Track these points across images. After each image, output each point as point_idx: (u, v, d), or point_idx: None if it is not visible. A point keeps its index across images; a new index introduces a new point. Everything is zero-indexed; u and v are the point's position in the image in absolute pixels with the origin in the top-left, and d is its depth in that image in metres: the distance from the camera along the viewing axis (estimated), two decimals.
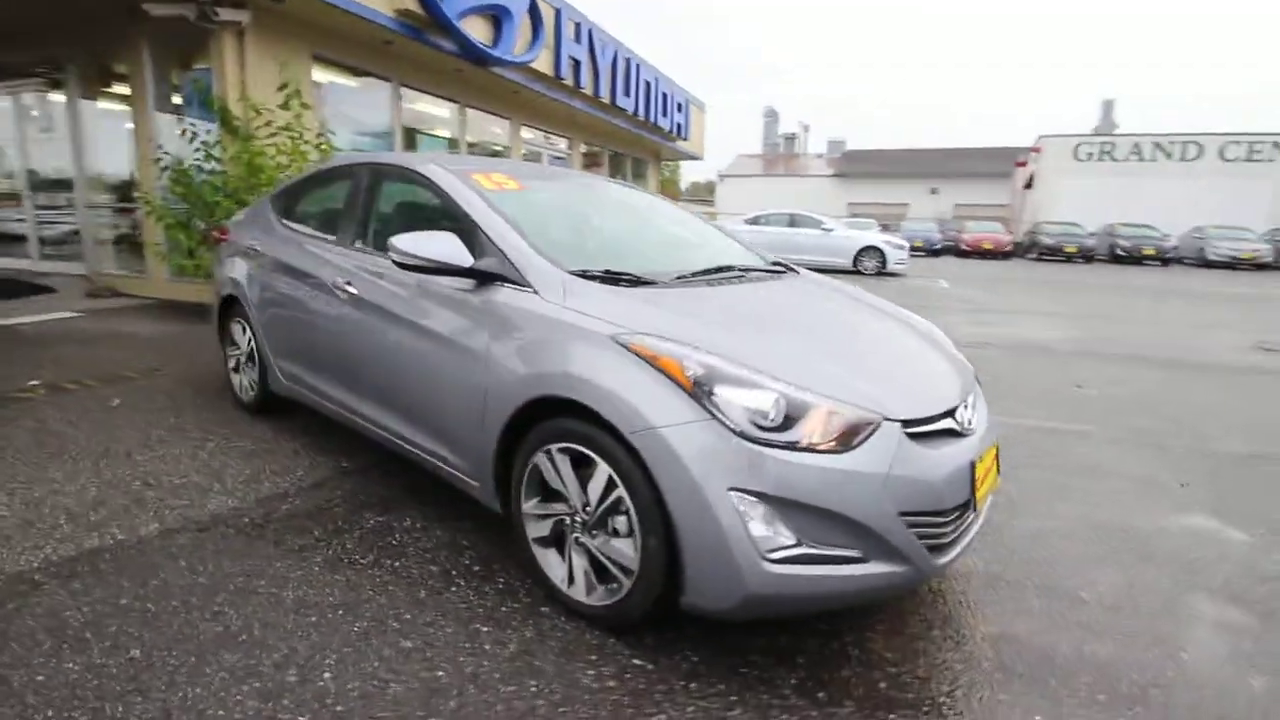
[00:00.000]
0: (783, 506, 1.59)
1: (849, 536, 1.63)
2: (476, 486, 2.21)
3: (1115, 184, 25.96)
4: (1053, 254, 22.65)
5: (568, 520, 1.93)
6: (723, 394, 1.64)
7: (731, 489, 1.59)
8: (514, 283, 2.10)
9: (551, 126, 12.08)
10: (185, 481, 2.81)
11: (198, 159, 5.95)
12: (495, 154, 10.72)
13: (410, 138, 8.76)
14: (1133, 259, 21.74)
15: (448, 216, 2.43)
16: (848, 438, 1.64)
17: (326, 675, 1.67)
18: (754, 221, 16.10)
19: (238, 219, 3.88)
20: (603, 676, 1.71)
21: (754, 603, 1.62)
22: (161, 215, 5.92)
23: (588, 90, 10.71)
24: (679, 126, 15.01)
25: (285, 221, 3.37)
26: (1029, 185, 29.89)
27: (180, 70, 6.82)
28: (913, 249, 17.85)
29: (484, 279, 2.16)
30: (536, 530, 2.01)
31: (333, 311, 2.78)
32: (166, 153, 5.97)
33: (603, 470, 1.77)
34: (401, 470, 2.96)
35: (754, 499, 1.59)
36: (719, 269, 2.50)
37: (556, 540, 1.98)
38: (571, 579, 1.93)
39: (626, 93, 11.97)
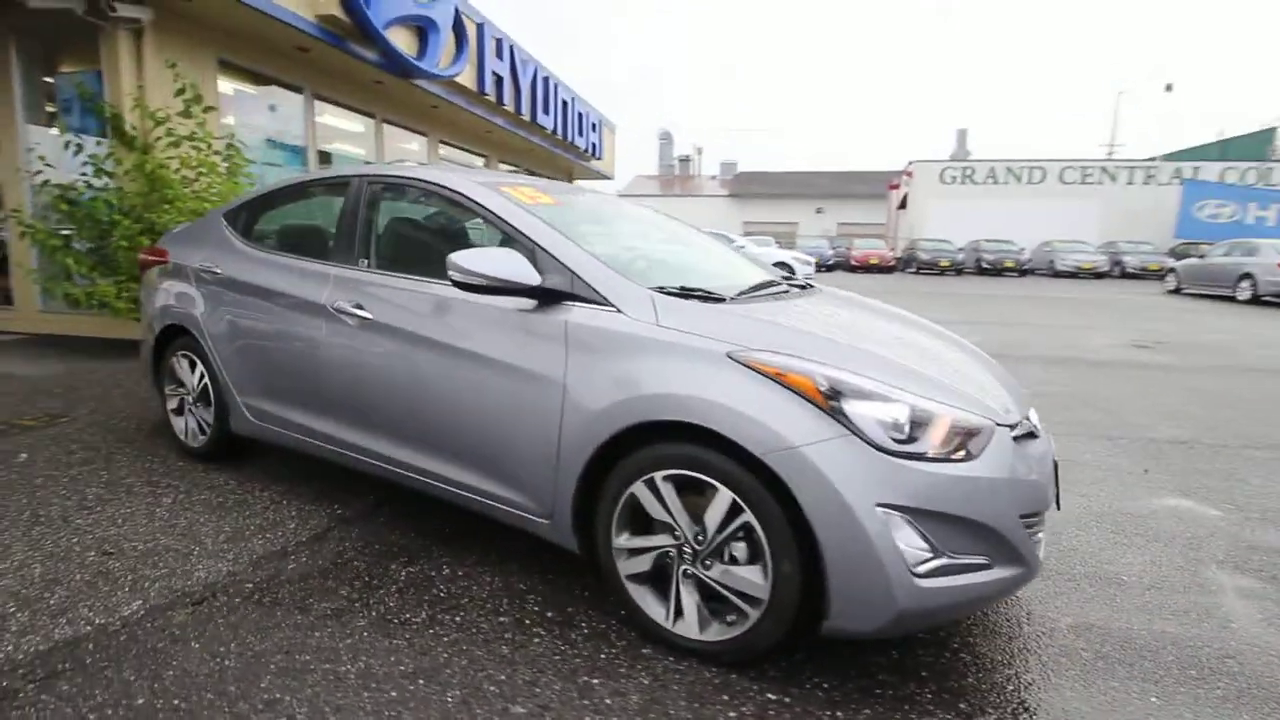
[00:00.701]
0: (923, 519, 1.57)
1: (979, 543, 1.63)
2: (545, 524, 2.02)
3: (976, 204, 29.01)
4: (929, 268, 24.89)
5: (672, 553, 1.80)
6: (854, 408, 1.60)
7: (878, 505, 1.55)
8: (589, 301, 1.95)
9: (469, 144, 11.71)
10: (153, 545, 2.37)
11: (85, 174, 5.17)
12: None
13: (324, 152, 8.15)
14: (995, 271, 24.32)
15: (491, 232, 2.24)
16: (972, 445, 1.65)
17: None
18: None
19: (174, 238, 3.39)
20: (745, 717, 1.59)
21: (906, 620, 1.58)
22: (42, 237, 5.07)
23: (509, 107, 10.50)
24: (594, 146, 15.06)
25: (248, 241, 2.98)
26: (903, 205, 32.74)
27: (56, 72, 5.94)
28: None
29: (551, 298, 1.99)
30: (632, 566, 1.86)
31: (334, 339, 2.47)
32: (49, 164, 5.14)
33: (724, 495, 1.67)
34: (413, 512, 2.68)
35: (898, 514, 1.56)
36: (764, 284, 2.48)
37: (656, 575, 1.84)
38: (679, 614, 1.80)
39: (545, 110, 11.85)
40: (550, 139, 12.77)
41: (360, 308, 2.40)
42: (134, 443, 3.44)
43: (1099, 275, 23.05)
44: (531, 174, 14.74)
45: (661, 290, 1.97)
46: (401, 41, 7.43)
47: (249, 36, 6.38)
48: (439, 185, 2.43)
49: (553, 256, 2.03)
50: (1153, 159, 30.57)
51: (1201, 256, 16.88)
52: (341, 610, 2.01)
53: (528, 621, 1.97)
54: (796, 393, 1.62)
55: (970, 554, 1.63)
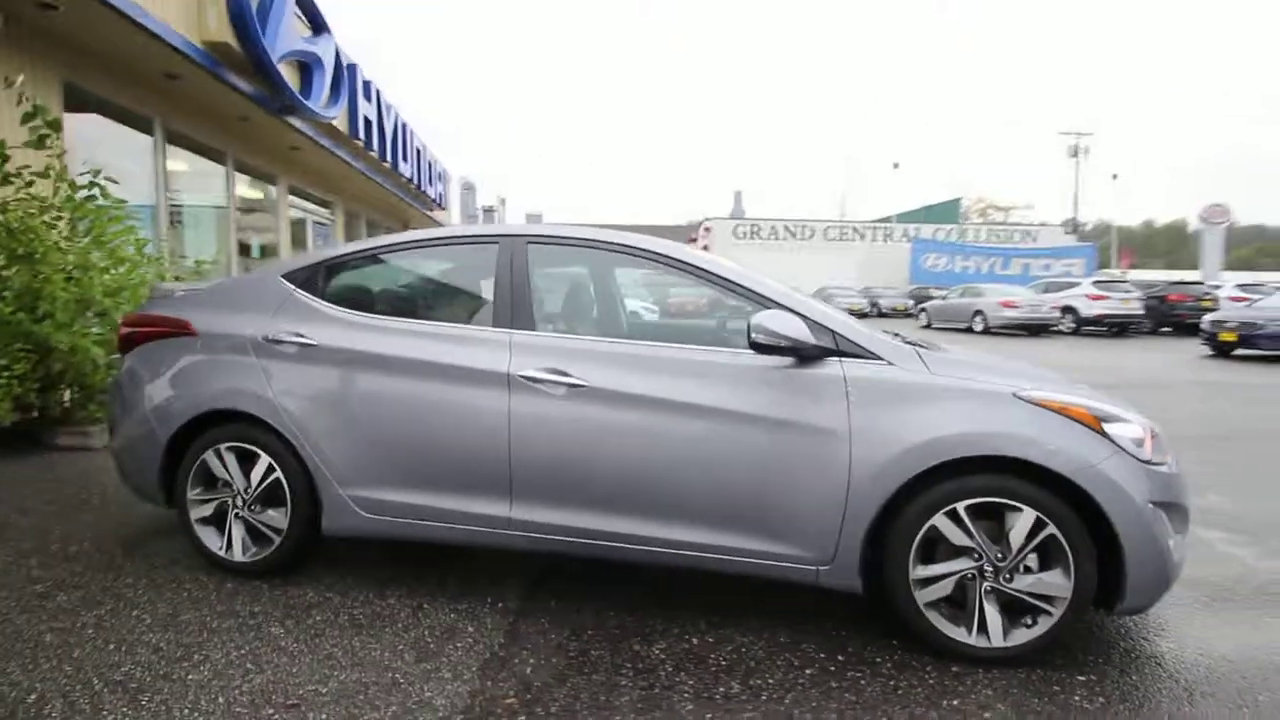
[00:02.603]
0: (1169, 510, 2.03)
1: (1184, 522, 2.14)
2: (824, 571, 2.10)
3: (764, 256, 33.35)
4: None
5: (971, 575, 2.03)
6: (1114, 430, 2.01)
7: (1150, 503, 1.97)
8: (856, 356, 2.14)
9: (319, 189, 10.62)
10: (339, 684, 1.91)
11: None
12: (253, 213, 8.98)
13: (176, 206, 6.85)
14: None
15: (717, 294, 2.33)
16: (1162, 448, 2.16)
17: None
18: None
19: (191, 304, 2.75)
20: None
21: (1167, 591, 2.01)
22: None
23: (375, 152, 9.83)
24: (440, 196, 14.57)
25: (340, 306, 2.58)
26: None
27: None
28: None
29: (817, 356, 2.13)
30: (930, 594, 2.03)
31: (524, 409, 2.26)
32: None
33: (1028, 514, 1.95)
34: (582, 590, 2.51)
35: (1160, 509, 1.99)
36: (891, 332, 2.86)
37: (956, 596, 2.05)
38: (980, 628, 2.02)
39: (404, 158, 11.28)
40: (404, 187, 12.13)
41: (564, 374, 2.26)
42: (150, 562, 2.66)
43: (863, 315, 27.91)
44: (370, 224, 13.73)
45: (907, 343, 2.23)
46: (289, 77, 6.68)
47: (108, 57, 5.27)
48: (628, 247, 2.44)
49: (810, 318, 2.17)
50: (889, 219, 38.11)
51: (944, 298, 21.43)
52: (656, 701, 1.86)
53: (833, 668, 2.02)
54: (1078, 422, 2.00)
55: (1182, 531, 2.13)
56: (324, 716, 1.78)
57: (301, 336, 2.50)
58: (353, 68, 8.62)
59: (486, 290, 2.64)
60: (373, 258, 2.72)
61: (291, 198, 9.76)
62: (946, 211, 39.64)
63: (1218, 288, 18.27)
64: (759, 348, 2.06)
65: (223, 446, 2.54)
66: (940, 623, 2.04)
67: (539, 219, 51.31)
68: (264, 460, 2.50)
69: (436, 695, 1.87)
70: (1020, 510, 1.96)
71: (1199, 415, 6.38)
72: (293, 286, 2.63)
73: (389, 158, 10.36)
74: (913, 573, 2.03)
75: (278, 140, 8.01)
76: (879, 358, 2.13)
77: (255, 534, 2.56)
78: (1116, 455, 1.96)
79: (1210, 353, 11.39)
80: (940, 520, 2.00)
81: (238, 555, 2.56)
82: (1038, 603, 1.99)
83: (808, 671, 2.00)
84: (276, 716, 1.77)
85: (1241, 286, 18.43)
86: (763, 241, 34.22)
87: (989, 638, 2.01)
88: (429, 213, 14.88)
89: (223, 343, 2.59)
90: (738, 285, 2.30)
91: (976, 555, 2.01)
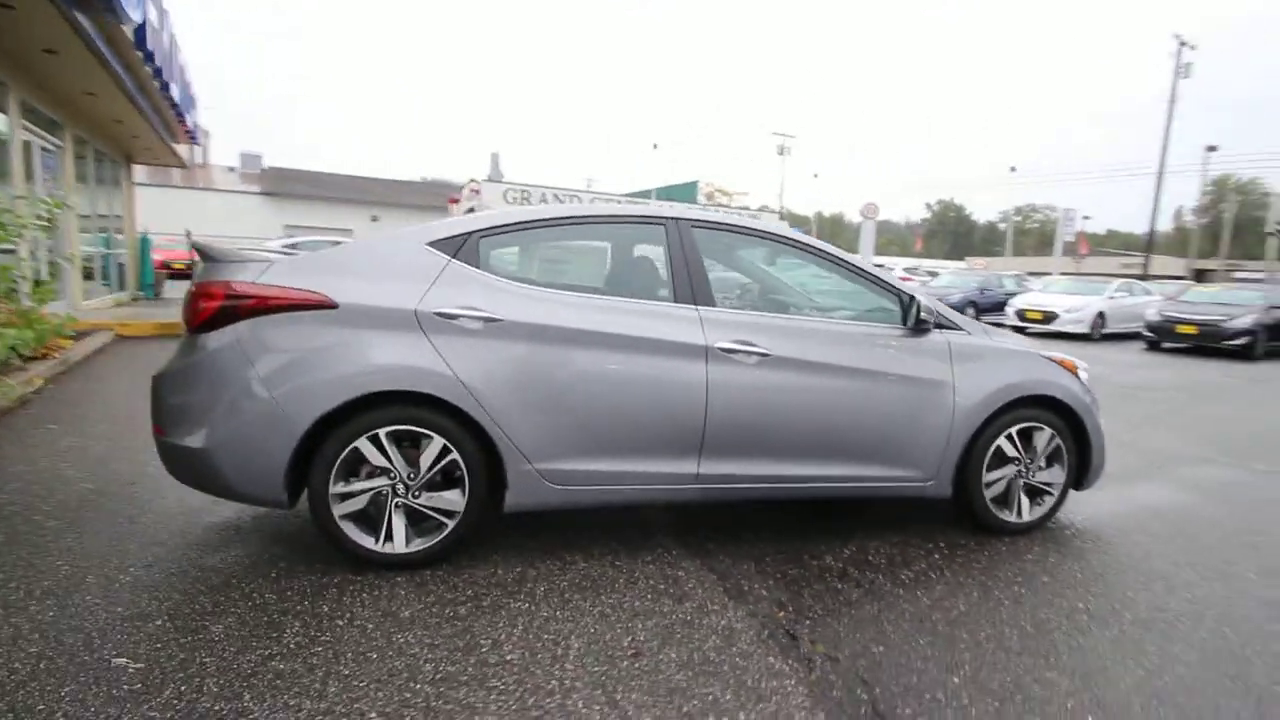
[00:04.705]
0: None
1: None
2: (929, 485, 2.88)
3: None
4: None
5: (1015, 475, 2.99)
6: (1080, 373, 3.15)
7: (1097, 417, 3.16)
8: (947, 328, 2.91)
9: (51, 109, 7.94)
10: (647, 640, 2.10)
11: None
12: None
13: None
14: None
15: (847, 280, 2.90)
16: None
17: None
18: (291, 248, 14.27)
19: (316, 270, 2.35)
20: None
21: (1102, 473, 3.25)
22: None
23: (151, 68, 7.72)
24: (195, 127, 11.83)
25: (508, 279, 2.50)
26: None
27: None
28: None
29: (933, 328, 2.87)
30: (992, 492, 2.94)
31: (721, 378, 2.56)
32: None
33: (1046, 432, 2.97)
34: (724, 522, 2.95)
35: (1098, 420, 3.20)
36: None
37: (1002, 493, 2.99)
38: (1018, 512, 3.01)
39: (173, 77, 8.99)
40: (164, 115, 9.66)
41: (752, 345, 2.63)
42: (308, 558, 2.26)
43: None
44: (99, 156, 10.67)
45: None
46: None
47: None
48: (784, 237, 2.88)
49: (920, 301, 2.88)
50: (649, 192, 41.18)
51: None
52: (874, 591, 2.45)
53: (937, 555, 2.82)
54: (1067, 370, 3.08)
55: None
56: (671, 653, 1.99)
57: (481, 310, 2.40)
58: None
59: (649, 267, 2.82)
60: (526, 231, 2.66)
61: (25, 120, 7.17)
62: (686, 191, 44.45)
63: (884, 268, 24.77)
64: (921, 323, 2.73)
65: (383, 431, 2.32)
66: (999, 511, 2.99)
67: (257, 160, 43.39)
68: (436, 442, 2.36)
69: (730, 622, 2.19)
70: (1043, 429, 2.99)
71: None
72: (447, 256, 2.47)
73: (165, 76, 8.17)
74: (985, 478, 2.94)
75: (28, 40, 5.89)
76: (961, 328, 2.96)
77: (418, 523, 2.42)
78: (1084, 388, 3.10)
79: None
80: (1002, 440, 2.93)
81: (399, 547, 2.39)
82: (1045, 488, 3.06)
83: (935, 557, 2.78)
84: (632, 665, 1.93)
85: (907, 269, 24.90)
86: (533, 207, 34.47)
87: (1020, 515, 3.02)
88: (173, 144, 11.91)
89: (374, 317, 2.33)
90: (875, 277, 2.92)
91: (1018, 462, 2.99)
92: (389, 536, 2.38)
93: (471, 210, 36.76)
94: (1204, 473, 4.16)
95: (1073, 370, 3.10)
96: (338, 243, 15.91)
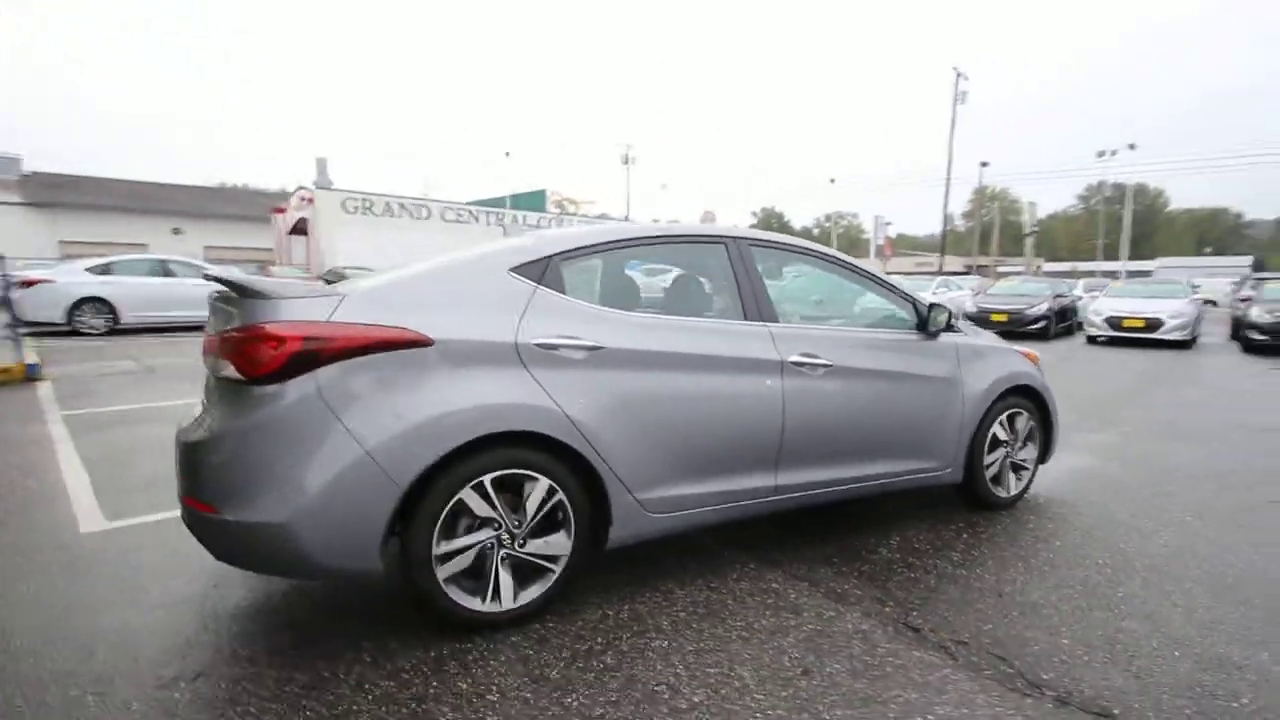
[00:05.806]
0: None
1: None
2: (947, 472, 3.22)
3: (377, 234, 31.19)
4: None
5: (1005, 455, 3.44)
6: (1039, 363, 3.70)
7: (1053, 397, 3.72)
8: (951, 331, 3.27)
9: None
10: (817, 662, 2.13)
11: None
12: None
13: None
14: None
15: (858, 291, 3.15)
16: None
17: None
18: (103, 270, 12.15)
19: (394, 305, 2.05)
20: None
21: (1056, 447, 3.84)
22: None
23: None
24: None
25: (593, 304, 2.39)
26: (297, 231, 31.66)
27: None
28: None
29: (939, 331, 3.19)
30: (991, 471, 3.35)
31: (794, 389, 2.66)
32: None
33: (1026, 416, 3.46)
34: (786, 536, 3.06)
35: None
36: None
37: (1000, 472, 3.42)
38: (1006, 487, 3.46)
39: None
40: None
41: (816, 357, 2.76)
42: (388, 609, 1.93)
43: None
44: None
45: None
46: None
47: None
48: (814, 252, 3.04)
49: (926, 304, 3.21)
50: (503, 200, 40.06)
51: None
52: (925, 570, 2.69)
53: (948, 533, 3.18)
54: (1032, 362, 3.60)
55: None
56: (833, 665, 2.05)
57: (582, 339, 2.27)
58: None
59: (715, 286, 2.84)
60: (600, 252, 2.54)
61: None
62: (535, 199, 44.14)
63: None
64: (950, 328, 3.03)
65: (488, 478, 2.11)
66: (995, 488, 3.41)
67: (15, 164, 35.69)
68: (542, 484, 2.20)
69: (855, 625, 2.30)
70: (1023, 413, 3.47)
71: None
72: (533, 283, 2.30)
73: None
74: (986, 459, 3.34)
75: None
76: (959, 330, 3.34)
77: (521, 574, 2.23)
78: (1042, 375, 3.65)
79: None
80: (997, 426, 3.36)
81: (507, 603, 2.20)
82: (1023, 465, 3.55)
83: (965, 536, 3.12)
84: (810, 683, 1.96)
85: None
86: (375, 218, 31.88)
87: (1009, 490, 3.48)
88: None
89: (472, 353, 2.11)
90: (903, 292, 3.18)
91: (1006, 443, 3.45)
92: (495, 594, 2.16)
93: (303, 220, 33.58)
94: (1094, 439, 5.05)
95: (1035, 361, 3.63)
96: (165, 261, 13.67)
